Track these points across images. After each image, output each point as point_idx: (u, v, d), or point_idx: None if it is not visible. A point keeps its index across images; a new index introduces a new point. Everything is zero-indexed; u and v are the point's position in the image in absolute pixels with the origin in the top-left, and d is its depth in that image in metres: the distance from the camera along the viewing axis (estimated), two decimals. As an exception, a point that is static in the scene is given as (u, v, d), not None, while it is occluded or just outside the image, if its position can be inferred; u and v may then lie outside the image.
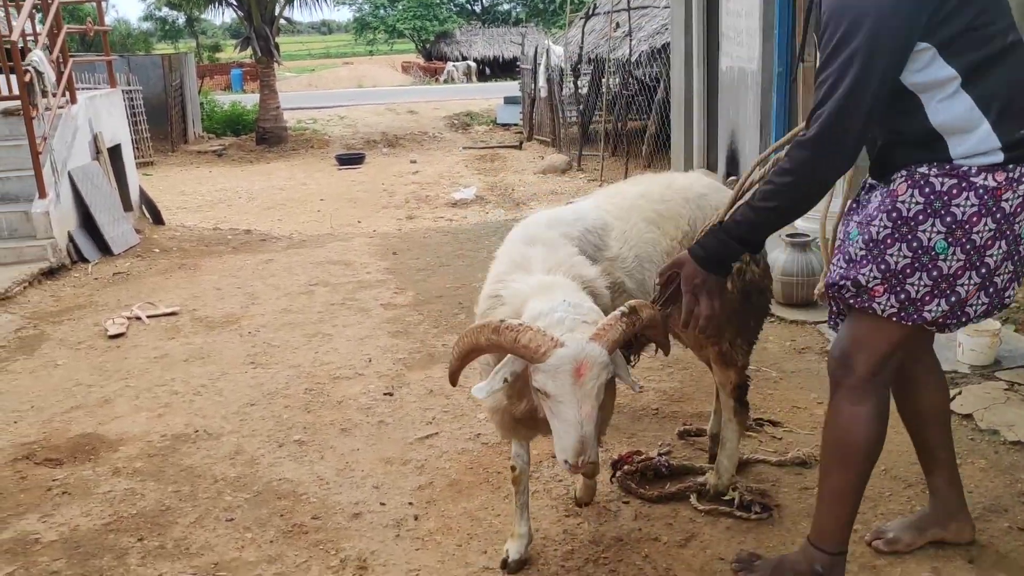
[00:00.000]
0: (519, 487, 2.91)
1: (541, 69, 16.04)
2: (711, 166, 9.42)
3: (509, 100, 21.24)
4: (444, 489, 3.47)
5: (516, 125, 19.97)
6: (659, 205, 2.94)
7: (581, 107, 14.89)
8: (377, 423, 4.10)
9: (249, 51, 18.95)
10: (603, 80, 13.41)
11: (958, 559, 2.83)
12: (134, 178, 9.62)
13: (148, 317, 5.92)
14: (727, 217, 2.38)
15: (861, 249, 2.33)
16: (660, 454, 3.52)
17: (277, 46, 18.77)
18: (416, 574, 2.93)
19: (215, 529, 3.26)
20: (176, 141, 17.87)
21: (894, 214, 2.26)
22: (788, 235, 5.32)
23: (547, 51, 15.83)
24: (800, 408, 4.05)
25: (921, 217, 2.23)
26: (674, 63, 10.02)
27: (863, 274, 2.32)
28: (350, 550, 3.08)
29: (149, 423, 4.22)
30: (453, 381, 2.49)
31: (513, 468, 2.90)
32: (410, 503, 3.37)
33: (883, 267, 2.28)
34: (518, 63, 21.40)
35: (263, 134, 18.26)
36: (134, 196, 9.40)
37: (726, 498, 3.20)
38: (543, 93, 16.29)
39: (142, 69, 17.31)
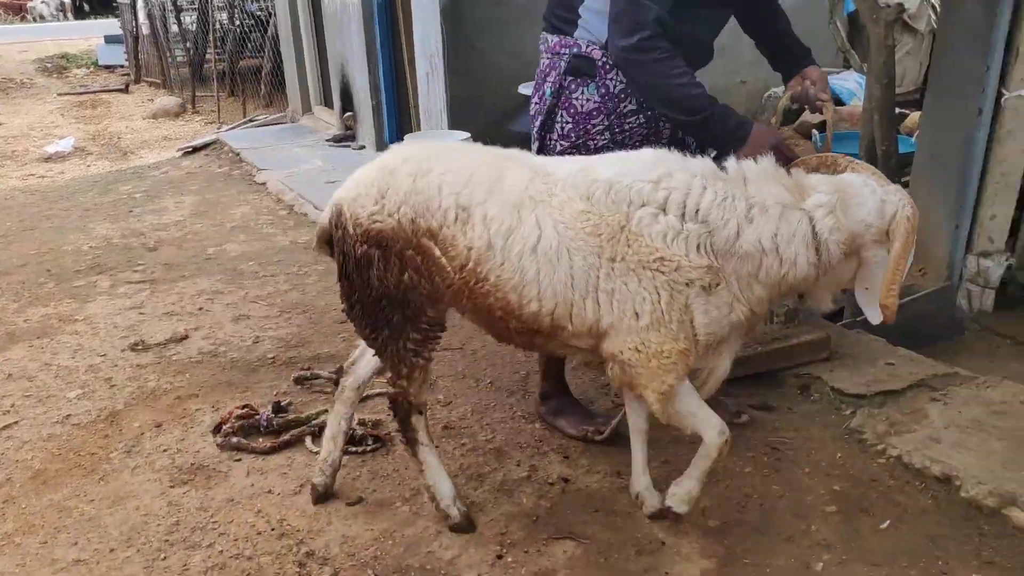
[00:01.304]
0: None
1: (140, 3, 14.59)
2: (327, 102, 9.24)
3: (111, 39, 19.11)
4: (25, 483, 3.05)
5: (122, 67, 18.08)
6: None
7: (189, 45, 13.82)
8: (-63, 423, 3.49)
9: None
10: (211, 15, 12.52)
11: (552, 455, 3.06)
12: None
13: None
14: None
15: None
16: (277, 404, 3.39)
17: None
18: (-13, 587, 2.54)
19: None
20: None
21: None
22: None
23: (144, -17, 14.41)
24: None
25: None
26: (278, -5, 9.60)
27: None
28: (-102, 579, 2.59)
29: None
30: (892, 314, 2.24)
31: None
32: (-20, 508, 2.92)
33: None
34: (116, -3, 19.30)
35: None
36: None
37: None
38: (145, 30, 14.87)
39: None
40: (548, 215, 2.25)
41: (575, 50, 2.73)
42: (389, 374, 2.55)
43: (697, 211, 2.22)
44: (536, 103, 2.88)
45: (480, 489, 2.87)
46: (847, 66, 7.52)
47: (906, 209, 2.22)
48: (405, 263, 2.32)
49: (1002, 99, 3.76)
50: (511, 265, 2.25)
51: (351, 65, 7.93)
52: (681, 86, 2.54)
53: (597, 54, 2.69)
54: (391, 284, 2.35)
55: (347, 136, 8.37)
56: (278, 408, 3.38)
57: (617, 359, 2.32)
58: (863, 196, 2.26)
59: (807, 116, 6.81)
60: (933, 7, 7.47)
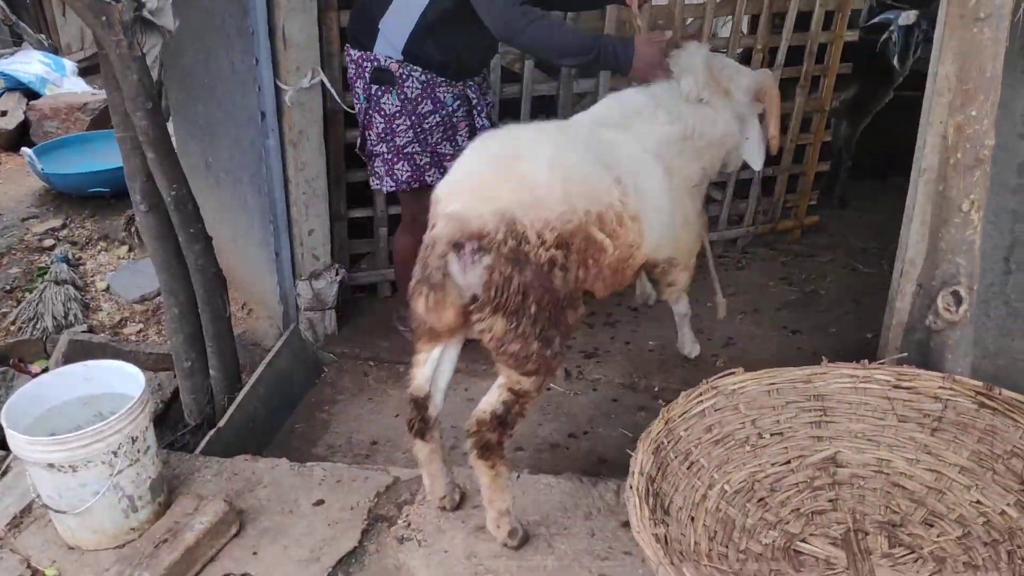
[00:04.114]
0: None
1: None
2: None
3: None
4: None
5: None
6: None
7: None
8: None
9: None
10: None
11: None
12: None
13: None
14: None
15: None
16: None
17: None
18: None
19: None
20: None
21: None
22: None
23: None
24: None
25: None
26: None
27: None
28: None
29: None
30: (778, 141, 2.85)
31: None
32: None
33: None
34: None
35: None
36: None
37: None
38: None
39: None
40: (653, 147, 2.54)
41: (375, 64, 2.87)
42: (535, 377, 2.14)
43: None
44: (357, 105, 3.01)
45: None
46: (18, 43, 5.93)
47: (766, 73, 2.88)
48: (580, 256, 2.16)
49: (284, 95, 3.03)
50: (654, 216, 2.42)
51: None
52: (564, 36, 2.71)
53: (395, 67, 2.85)
54: (571, 283, 2.14)
55: None
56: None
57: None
58: (736, 73, 2.78)
59: None
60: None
